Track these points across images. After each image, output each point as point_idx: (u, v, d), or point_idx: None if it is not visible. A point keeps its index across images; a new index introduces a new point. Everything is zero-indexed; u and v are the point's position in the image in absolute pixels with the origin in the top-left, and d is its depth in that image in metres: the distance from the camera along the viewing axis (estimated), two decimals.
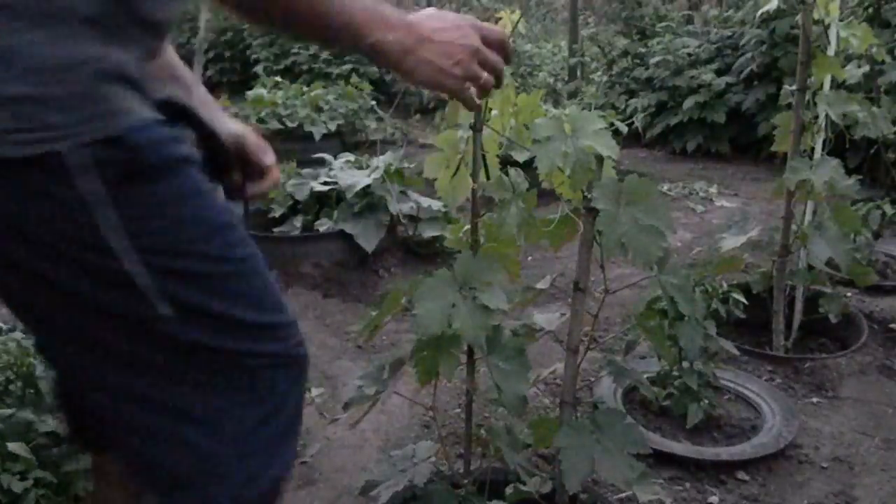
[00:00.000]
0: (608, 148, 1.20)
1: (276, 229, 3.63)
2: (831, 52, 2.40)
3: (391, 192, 3.55)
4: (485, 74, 1.07)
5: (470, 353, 1.39)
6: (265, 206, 3.66)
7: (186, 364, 0.91)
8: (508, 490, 1.55)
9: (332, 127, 5.82)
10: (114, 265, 0.82)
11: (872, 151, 4.08)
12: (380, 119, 6.35)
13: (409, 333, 2.66)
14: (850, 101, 2.35)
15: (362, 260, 3.47)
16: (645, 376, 1.80)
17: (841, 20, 2.42)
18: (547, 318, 1.53)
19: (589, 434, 1.31)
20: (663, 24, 6.80)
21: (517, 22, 1.38)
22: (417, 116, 7.30)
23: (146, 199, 0.83)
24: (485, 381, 1.36)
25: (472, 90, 1.09)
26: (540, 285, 1.49)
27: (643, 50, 6.59)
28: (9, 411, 1.61)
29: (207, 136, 1.03)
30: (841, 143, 2.56)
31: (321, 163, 4.03)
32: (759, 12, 3.75)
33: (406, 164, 3.80)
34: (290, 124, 5.65)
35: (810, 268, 2.57)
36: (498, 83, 1.11)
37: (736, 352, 2.28)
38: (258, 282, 0.96)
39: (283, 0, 0.95)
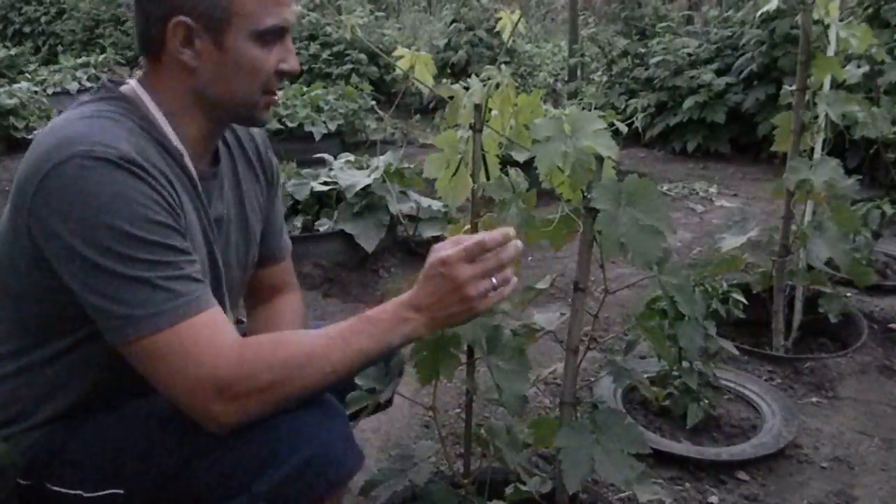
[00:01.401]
0: (608, 148, 1.20)
1: None
2: (831, 52, 2.40)
3: (391, 192, 3.55)
4: (493, 280, 1.12)
5: (470, 353, 1.39)
6: None
7: None
8: (508, 490, 1.55)
9: (332, 127, 5.82)
10: None
11: (872, 151, 4.08)
12: (380, 119, 6.35)
13: None
14: (850, 101, 2.35)
15: (362, 260, 3.47)
16: (645, 376, 1.80)
17: (841, 20, 2.42)
18: (547, 318, 1.53)
19: (589, 434, 1.31)
20: (663, 24, 6.80)
21: (517, 22, 1.38)
22: (417, 116, 7.30)
23: None
24: (485, 381, 1.36)
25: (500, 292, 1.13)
26: (540, 285, 1.48)
27: (643, 50, 6.59)
28: None
29: None
30: (841, 143, 2.56)
31: (321, 163, 4.04)
32: (759, 12, 3.75)
33: (406, 164, 3.79)
34: (290, 124, 5.65)
35: (810, 268, 2.57)
36: (509, 266, 1.14)
37: (736, 352, 2.28)
38: None
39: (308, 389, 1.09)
